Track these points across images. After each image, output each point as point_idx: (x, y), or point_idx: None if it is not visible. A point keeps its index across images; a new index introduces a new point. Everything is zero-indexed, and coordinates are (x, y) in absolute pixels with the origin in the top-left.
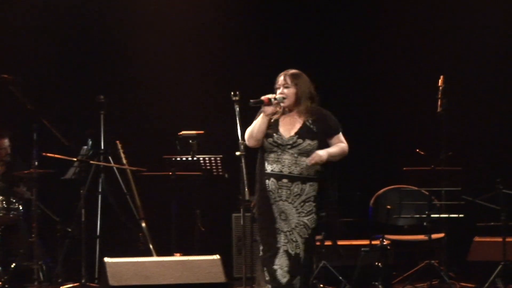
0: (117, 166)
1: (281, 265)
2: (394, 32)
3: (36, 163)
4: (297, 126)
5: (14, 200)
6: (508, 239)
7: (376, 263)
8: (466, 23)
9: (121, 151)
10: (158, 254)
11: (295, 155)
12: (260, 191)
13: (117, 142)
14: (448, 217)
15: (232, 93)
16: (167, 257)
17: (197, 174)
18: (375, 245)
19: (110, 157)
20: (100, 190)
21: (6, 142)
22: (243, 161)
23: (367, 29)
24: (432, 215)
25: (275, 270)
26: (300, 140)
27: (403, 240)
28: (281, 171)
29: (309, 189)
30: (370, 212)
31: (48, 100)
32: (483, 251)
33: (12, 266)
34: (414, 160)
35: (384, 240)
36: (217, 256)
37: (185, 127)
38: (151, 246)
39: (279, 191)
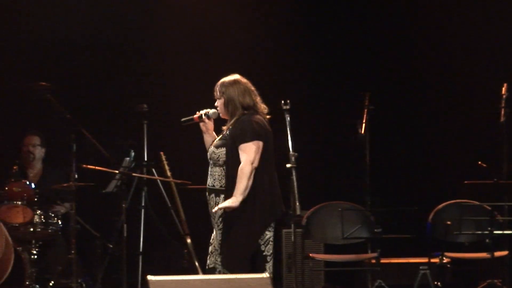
0: (161, 178)
1: None
2: (455, 39)
3: (76, 175)
4: (220, 135)
5: (52, 215)
6: None
7: (435, 283)
8: None
9: (165, 163)
10: (204, 272)
11: (211, 166)
12: None
13: (161, 153)
14: None
15: (282, 102)
16: (213, 275)
17: None
18: (434, 263)
19: (153, 169)
20: (142, 204)
21: (34, 140)
22: (294, 173)
23: (426, 36)
24: (494, 232)
25: None
26: (210, 148)
27: (464, 258)
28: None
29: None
30: (429, 228)
31: (87, 109)
32: None
33: (50, 284)
34: (476, 173)
35: (443, 258)
36: (266, 274)
37: None
38: (196, 263)
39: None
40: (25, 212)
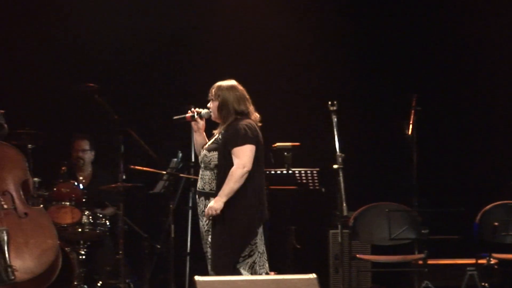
0: None
1: None
2: (504, 39)
3: (124, 176)
4: (212, 139)
5: (100, 215)
6: None
7: (482, 284)
8: None
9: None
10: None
11: (202, 169)
12: None
13: None
14: None
15: (329, 102)
16: (260, 275)
17: (292, 188)
18: (481, 264)
19: None
20: (190, 204)
21: (84, 145)
22: (341, 174)
23: (475, 37)
24: None
25: None
26: (201, 152)
27: (511, 259)
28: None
29: None
30: (476, 229)
31: (135, 110)
32: None
33: (98, 284)
34: None
35: (491, 259)
36: (313, 275)
37: (280, 138)
38: None
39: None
40: (73, 212)
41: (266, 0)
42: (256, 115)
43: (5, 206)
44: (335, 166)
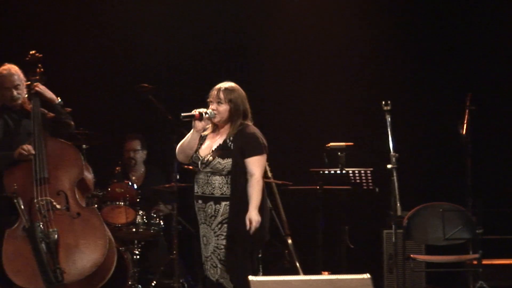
0: None
1: None
2: None
3: (177, 176)
4: (217, 143)
5: (154, 215)
6: None
7: None
8: None
9: (266, 163)
10: (305, 272)
11: (208, 175)
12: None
13: None
14: None
15: (383, 102)
16: (314, 275)
17: (346, 188)
18: None
19: None
20: None
21: (135, 145)
22: (394, 174)
23: None
24: None
25: None
26: (210, 158)
27: None
28: (196, 192)
29: (225, 209)
30: None
31: (189, 111)
32: None
33: (153, 284)
34: None
35: None
36: (367, 275)
37: (333, 138)
38: (297, 264)
39: (198, 213)
40: (127, 212)
41: (321, 1)
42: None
43: (58, 207)
44: (389, 166)
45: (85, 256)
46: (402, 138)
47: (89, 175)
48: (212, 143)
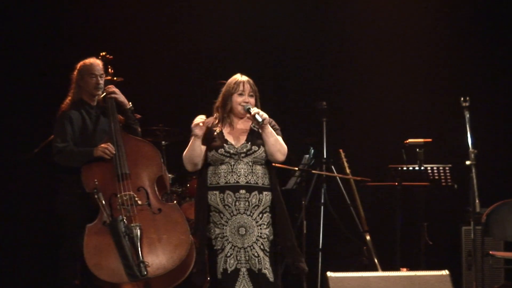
0: (340, 176)
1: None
2: None
3: None
4: (247, 134)
5: None
6: None
7: None
8: None
9: (344, 160)
10: (383, 269)
11: (250, 164)
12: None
13: (340, 150)
14: None
15: (462, 98)
16: (392, 272)
17: (424, 184)
18: None
19: (332, 167)
20: (322, 201)
21: None
22: (473, 170)
23: None
24: None
25: None
26: (255, 147)
27: None
28: (237, 182)
29: (266, 198)
30: None
31: (266, 108)
32: None
33: None
34: None
35: None
36: (446, 272)
37: (412, 134)
38: (375, 260)
39: (237, 203)
40: None
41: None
42: None
43: (140, 202)
44: (467, 162)
45: (168, 251)
46: (481, 134)
47: (165, 174)
48: (239, 134)
